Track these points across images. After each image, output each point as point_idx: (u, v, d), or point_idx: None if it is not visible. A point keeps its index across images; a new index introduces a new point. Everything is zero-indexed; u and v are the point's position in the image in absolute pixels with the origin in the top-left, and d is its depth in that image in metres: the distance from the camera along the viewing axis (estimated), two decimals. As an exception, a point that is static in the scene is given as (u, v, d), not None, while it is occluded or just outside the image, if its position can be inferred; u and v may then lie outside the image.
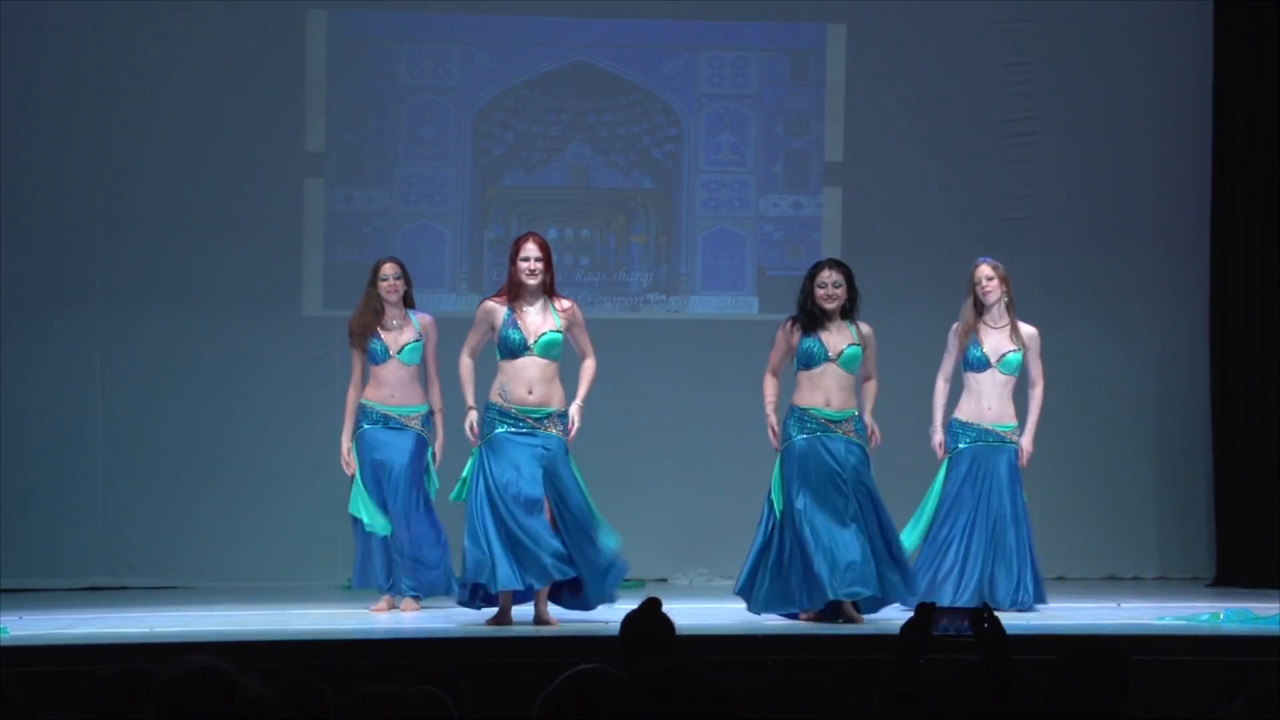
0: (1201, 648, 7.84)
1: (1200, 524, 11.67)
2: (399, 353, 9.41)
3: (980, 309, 9.24)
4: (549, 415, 8.53)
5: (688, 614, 5.52)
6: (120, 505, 11.19)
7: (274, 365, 11.31)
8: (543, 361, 8.54)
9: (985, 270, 9.21)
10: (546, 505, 8.48)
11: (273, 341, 11.31)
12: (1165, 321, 11.82)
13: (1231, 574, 11.28)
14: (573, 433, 8.58)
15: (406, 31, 11.53)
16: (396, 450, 9.32)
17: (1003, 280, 9.22)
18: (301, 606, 9.55)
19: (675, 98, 11.66)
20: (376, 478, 9.32)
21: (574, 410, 8.59)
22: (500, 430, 8.50)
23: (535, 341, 8.53)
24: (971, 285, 9.22)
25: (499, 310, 8.60)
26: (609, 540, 8.56)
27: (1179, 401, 11.80)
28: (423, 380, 9.48)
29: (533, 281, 8.57)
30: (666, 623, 4.84)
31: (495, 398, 8.55)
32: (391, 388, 9.38)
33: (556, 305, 8.61)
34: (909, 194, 11.69)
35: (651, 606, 4.89)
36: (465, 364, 8.72)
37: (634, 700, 3.15)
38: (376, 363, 9.44)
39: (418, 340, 9.44)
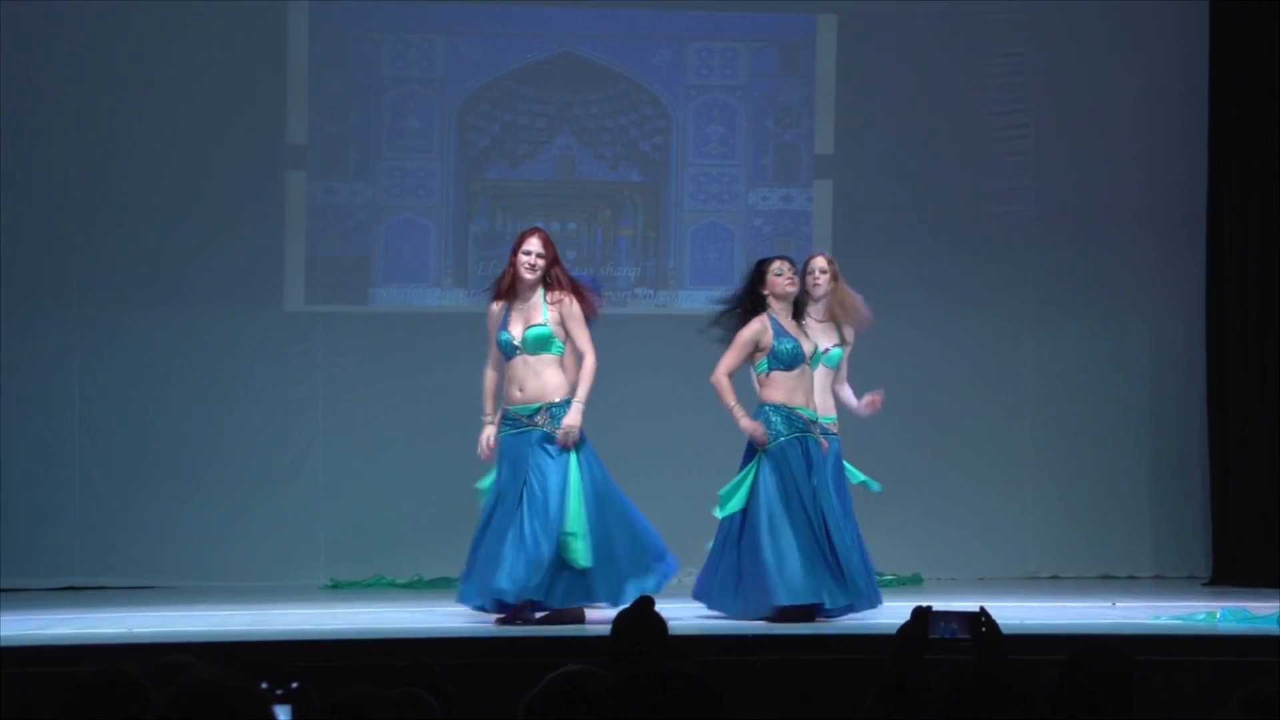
0: (1198, 647, 7.84)
1: (1196, 522, 11.69)
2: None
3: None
4: (539, 410, 8.54)
5: (676, 614, 5.53)
6: (99, 504, 11.17)
7: (255, 361, 11.29)
8: (532, 358, 8.57)
9: (820, 262, 9.20)
10: (539, 500, 8.49)
11: (254, 337, 11.29)
12: (1160, 317, 11.83)
13: (1228, 573, 11.29)
14: (567, 436, 8.52)
15: (390, 22, 11.51)
16: None
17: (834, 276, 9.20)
18: (284, 606, 9.54)
19: (663, 89, 11.65)
20: None
21: (572, 413, 8.56)
22: (504, 433, 8.59)
23: (522, 339, 8.55)
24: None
25: (499, 313, 8.65)
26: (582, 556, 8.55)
27: (1174, 398, 11.82)
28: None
29: (531, 276, 8.60)
30: (659, 622, 4.84)
31: (504, 402, 8.66)
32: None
33: (549, 298, 8.62)
34: (900, 187, 11.70)
35: (644, 606, 4.90)
36: (488, 376, 8.71)
37: (621, 702, 3.15)
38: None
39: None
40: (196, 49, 11.23)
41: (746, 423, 8.76)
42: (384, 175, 11.50)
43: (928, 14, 11.69)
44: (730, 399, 8.83)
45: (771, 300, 8.84)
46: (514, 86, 11.56)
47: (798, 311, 8.97)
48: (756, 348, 8.83)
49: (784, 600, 8.52)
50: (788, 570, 8.56)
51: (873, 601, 8.80)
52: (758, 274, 8.94)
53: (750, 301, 8.88)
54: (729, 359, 8.86)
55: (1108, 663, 4.13)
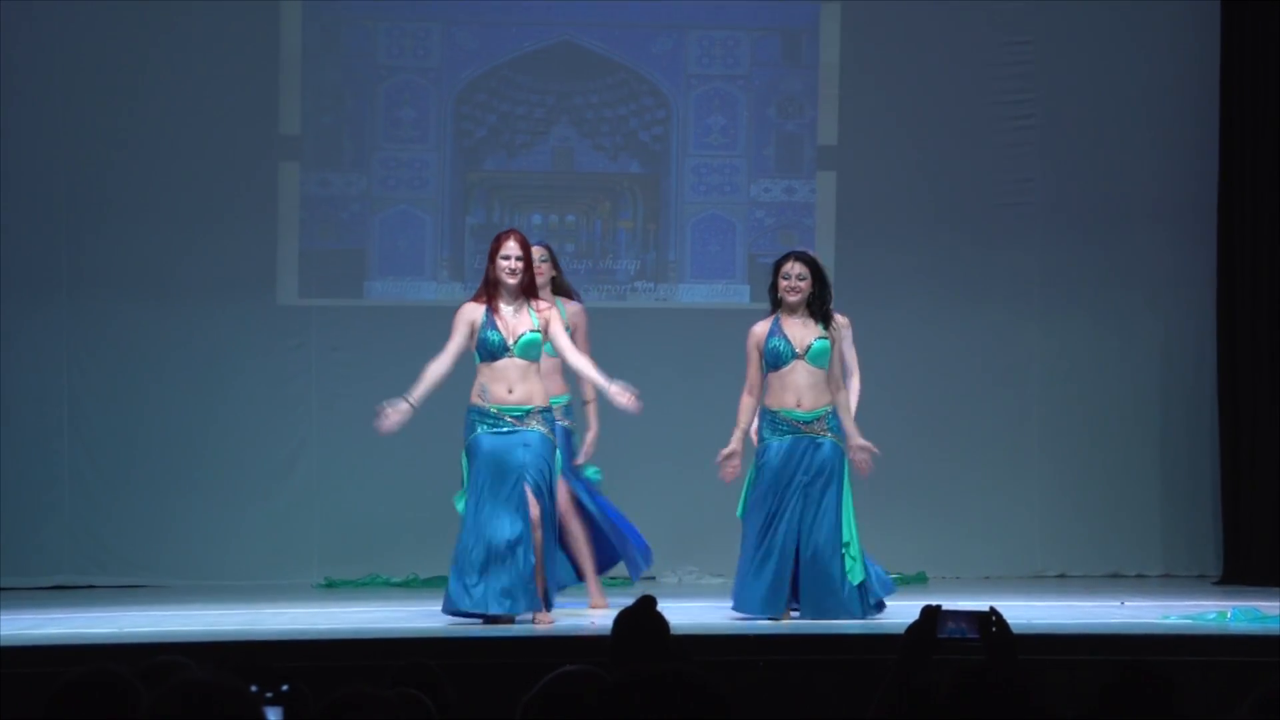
0: (1208, 648, 7.83)
1: (1207, 520, 11.67)
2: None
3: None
4: (530, 412, 8.55)
5: (677, 613, 5.53)
6: (88, 501, 11.16)
7: (247, 356, 11.28)
8: (523, 362, 8.58)
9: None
10: (533, 505, 8.48)
11: (246, 332, 11.28)
12: (1170, 311, 11.82)
13: (1239, 571, 11.26)
14: (632, 401, 8.61)
15: (384, 10, 11.49)
16: None
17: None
18: (277, 606, 9.53)
19: (663, 78, 11.64)
20: None
21: (616, 391, 8.58)
22: (480, 431, 8.54)
23: (515, 342, 8.55)
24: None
25: (477, 311, 8.62)
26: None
27: (1184, 394, 11.80)
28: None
29: (512, 281, 8.60)
30: (662, 622, 4.83)
31: (475, 399, 8.60)
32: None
33: (534, 306, 8.63)
34: (905, 178, 11.68)
35: (646, 605, 4.89)
36: (434, 368, 8.63)
37: (621, 703, 3.14)
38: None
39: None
40: (187, 38, 11.20)
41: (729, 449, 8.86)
42: (379, 166, 11.48)
43: (933, 2, 11.66)
44: (740, 419, 8.85)
45: (783, 304, 8.85)
46: (511, 76, 11.54)
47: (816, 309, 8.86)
48: (759, 351, 8.88)
49: (737, 610, 8.71)
50: (743, 580, 8.73)
51: (849, 612, 8.74)
52: (773, 275, 8.93)
53: (773, 304, 8.91)
54: (748, 372, 8.91)
55: (1151, 684, 4.09)
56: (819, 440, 8.76)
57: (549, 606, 8.53)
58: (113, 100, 11.19)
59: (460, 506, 8.65)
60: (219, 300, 11.22)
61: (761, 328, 8.85)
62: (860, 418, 9.33)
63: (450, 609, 8.46)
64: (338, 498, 11.25)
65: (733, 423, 8.97)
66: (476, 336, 8.58)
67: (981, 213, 11.67)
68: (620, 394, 8.55)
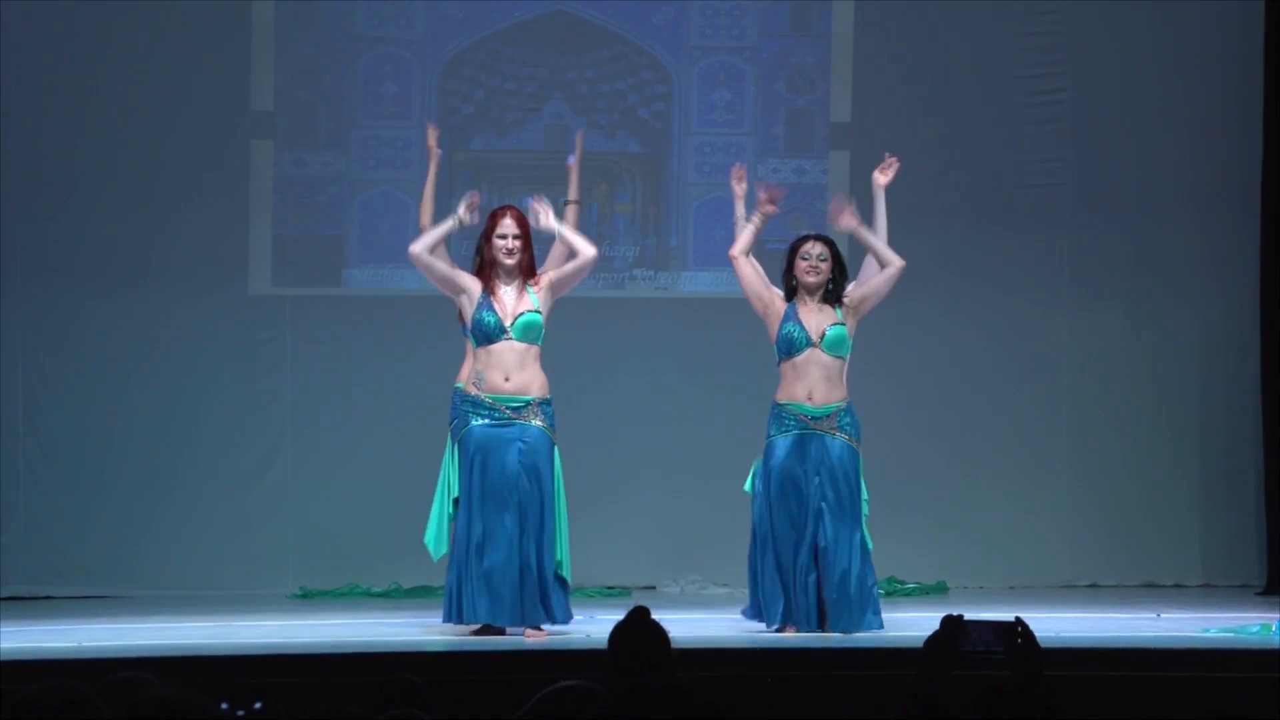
0: (1251, 662, 7.84)
1: (1249, 525, 11.68)
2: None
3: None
4: (528, 404, 8.56)
5: (679, 625, 5.55)
6: (45, 506, 11.16)
7: (218, 350, 11.29)
8: (521, 346, 8.60)
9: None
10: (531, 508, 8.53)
11: (216, 323, 11.29)
12: (1209, 302, 11.82)
13: (1283, 581, 11.30)
14: (546, 216, 8.82)
15: (364, -24, 11.51)
16: None
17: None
18: (249, 618, 9.55)
19: (664, 51, 11.64)
20: None
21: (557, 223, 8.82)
22: (475, 423, 8.55)
23: (513, 324, 8.57)
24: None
25: (475, 286, 8.64)
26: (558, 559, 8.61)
27: (1224, 390, 11.81)
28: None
29: (510, 261, 8.65)
30: (660, 633, 4.83)
31: (470, 387, 8.60)
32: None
33: (533, 285, 8.66)
34: (924, 158, 11.65)
35: (640, 615, 4.88)
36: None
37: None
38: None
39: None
40: (152, 8, 11.20)
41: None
42: (358, 145, 11.49)
43: (954, -31, 11.68)
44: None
45: (799, 288, 8.85)
46: (500, 48, 11.55)
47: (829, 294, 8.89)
48: (766, 309, 8.82)
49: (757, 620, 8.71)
50: (764, 590, 8.72)
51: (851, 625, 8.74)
52: (788, 259, 8.93)
53: (788, 290, 8.89)
54: (749, 267, 8.93)
55: None
56: (829, 440, 8.74)
57: (559, 620, 8.54)
58: (72, 75, 11.18)
59: (430, 546, 8.69)
60: (186, 289, 11.23)
61: (780, 304, 8.84)
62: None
63: (448, 619, 8.54)
64: (315, 502, 11.26)
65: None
66: (470, 317, 8.62)
67: (1006, 196, 11.68)
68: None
